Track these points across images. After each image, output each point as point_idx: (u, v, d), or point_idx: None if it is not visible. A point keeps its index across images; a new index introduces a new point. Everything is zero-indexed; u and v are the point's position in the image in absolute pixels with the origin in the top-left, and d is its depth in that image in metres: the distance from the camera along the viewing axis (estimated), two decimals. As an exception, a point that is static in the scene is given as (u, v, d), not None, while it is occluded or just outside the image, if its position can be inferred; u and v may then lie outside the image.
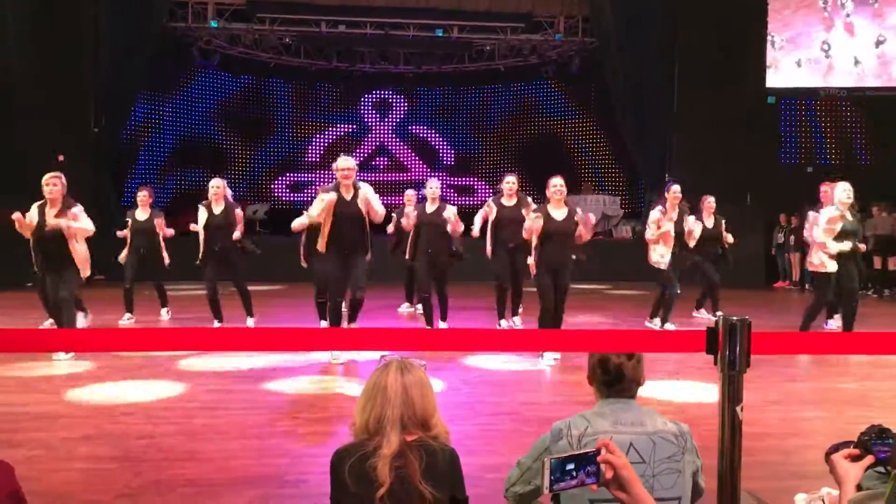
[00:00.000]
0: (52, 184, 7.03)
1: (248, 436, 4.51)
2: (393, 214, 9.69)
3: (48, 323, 7.70)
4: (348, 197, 6.69)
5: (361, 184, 6.82)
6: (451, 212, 8.14)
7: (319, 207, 6.65)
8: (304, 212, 7.48)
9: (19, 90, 13.03)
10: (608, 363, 2.32)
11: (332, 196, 6.64)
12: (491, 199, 8.66)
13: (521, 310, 8.94)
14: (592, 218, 7.25)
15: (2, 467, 2.14)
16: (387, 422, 2.10)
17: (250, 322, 8.47)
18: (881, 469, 1.97)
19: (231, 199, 8.52)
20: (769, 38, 15.28)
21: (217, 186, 8.32)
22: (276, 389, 5.77)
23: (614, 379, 2.31)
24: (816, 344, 2.62)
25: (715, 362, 1.86)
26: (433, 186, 8.24)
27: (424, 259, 8.11)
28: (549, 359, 6.76)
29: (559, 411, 5.04)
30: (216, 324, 8.25)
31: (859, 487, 2.12)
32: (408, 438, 2.10)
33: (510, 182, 8.38)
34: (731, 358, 1.84)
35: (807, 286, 13.48)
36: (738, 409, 1.84)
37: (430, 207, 8.19)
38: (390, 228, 9.99)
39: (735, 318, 1.86)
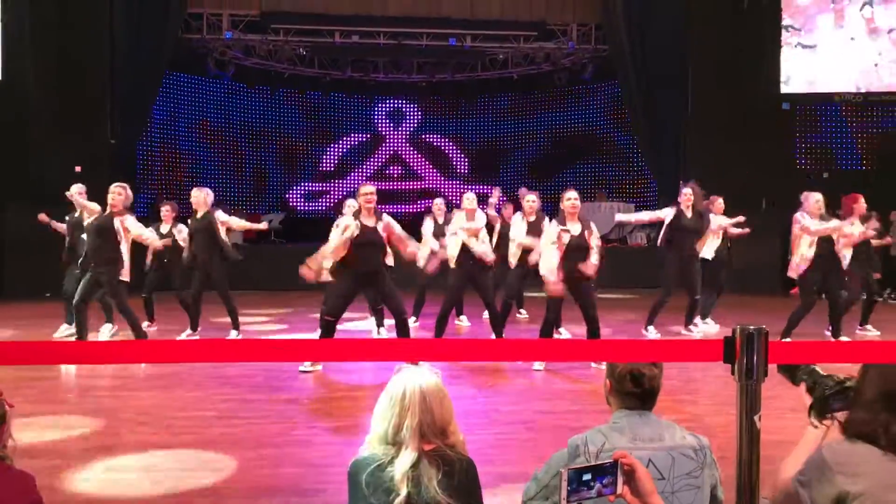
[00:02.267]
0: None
1: (264, 445, 4.53)
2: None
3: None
4: (371, 223, 6.64)
5: (384, 214, 6.80)
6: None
7: (338, 240, 6.53)
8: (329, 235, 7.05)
9: (36, 101, 13.18)
10: (642, 378, 2.20)
11: (353, 230, 6.54)
12: (517, 214, 8.57)
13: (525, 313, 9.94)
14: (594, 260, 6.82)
15: (23, 477, 2.16)
16: (406, 430, 2.10)
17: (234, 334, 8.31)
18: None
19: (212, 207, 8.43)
20: (783, 29, 15.14)
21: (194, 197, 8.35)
22: (291, 398, 5.80)
23: (647, 393, 2.22)
24: (835, 353, 2.60)
25: (732, 371, 1.85)
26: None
27: (459, 268, 7.63)
28: (538, 365, 6.77)
29: (575, 420, 5.03)
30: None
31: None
32: (425, 447, 2.10)
33: (530, 201, 8.31)
34: (748, 367, 1.83)
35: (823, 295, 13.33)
36: (755, 418, 1.83)
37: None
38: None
39: (752, 326, 1.85)
